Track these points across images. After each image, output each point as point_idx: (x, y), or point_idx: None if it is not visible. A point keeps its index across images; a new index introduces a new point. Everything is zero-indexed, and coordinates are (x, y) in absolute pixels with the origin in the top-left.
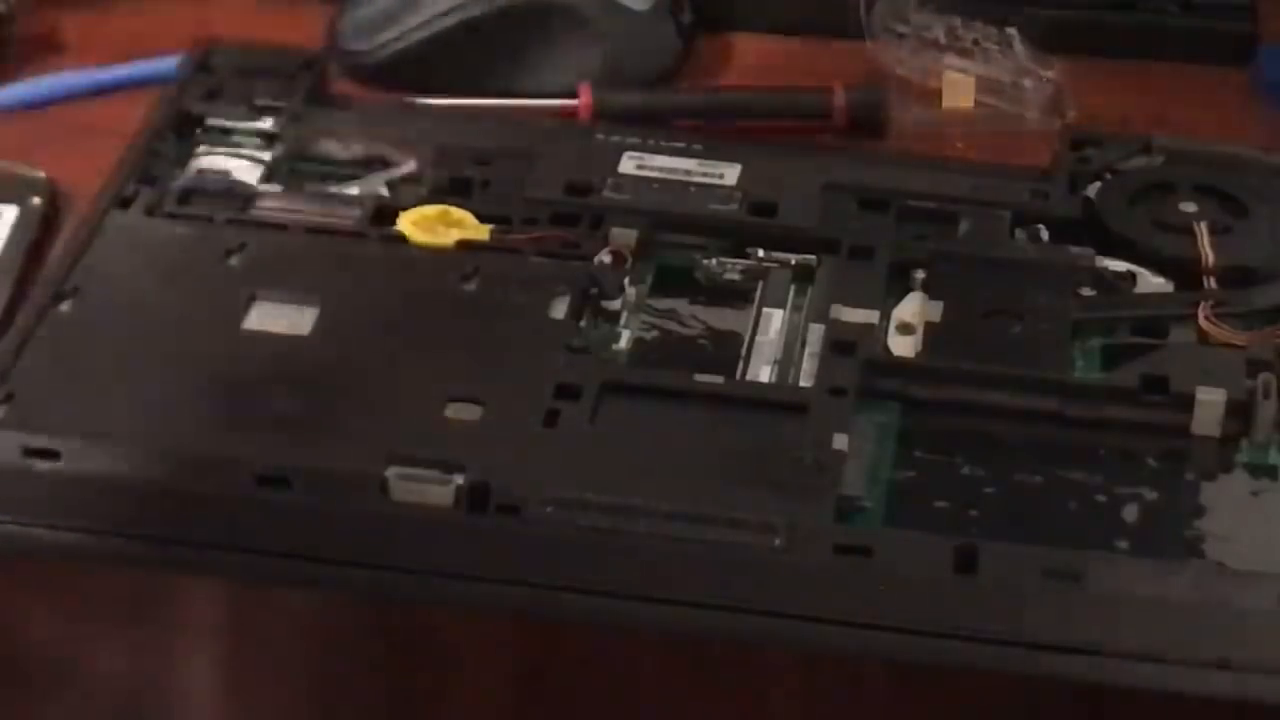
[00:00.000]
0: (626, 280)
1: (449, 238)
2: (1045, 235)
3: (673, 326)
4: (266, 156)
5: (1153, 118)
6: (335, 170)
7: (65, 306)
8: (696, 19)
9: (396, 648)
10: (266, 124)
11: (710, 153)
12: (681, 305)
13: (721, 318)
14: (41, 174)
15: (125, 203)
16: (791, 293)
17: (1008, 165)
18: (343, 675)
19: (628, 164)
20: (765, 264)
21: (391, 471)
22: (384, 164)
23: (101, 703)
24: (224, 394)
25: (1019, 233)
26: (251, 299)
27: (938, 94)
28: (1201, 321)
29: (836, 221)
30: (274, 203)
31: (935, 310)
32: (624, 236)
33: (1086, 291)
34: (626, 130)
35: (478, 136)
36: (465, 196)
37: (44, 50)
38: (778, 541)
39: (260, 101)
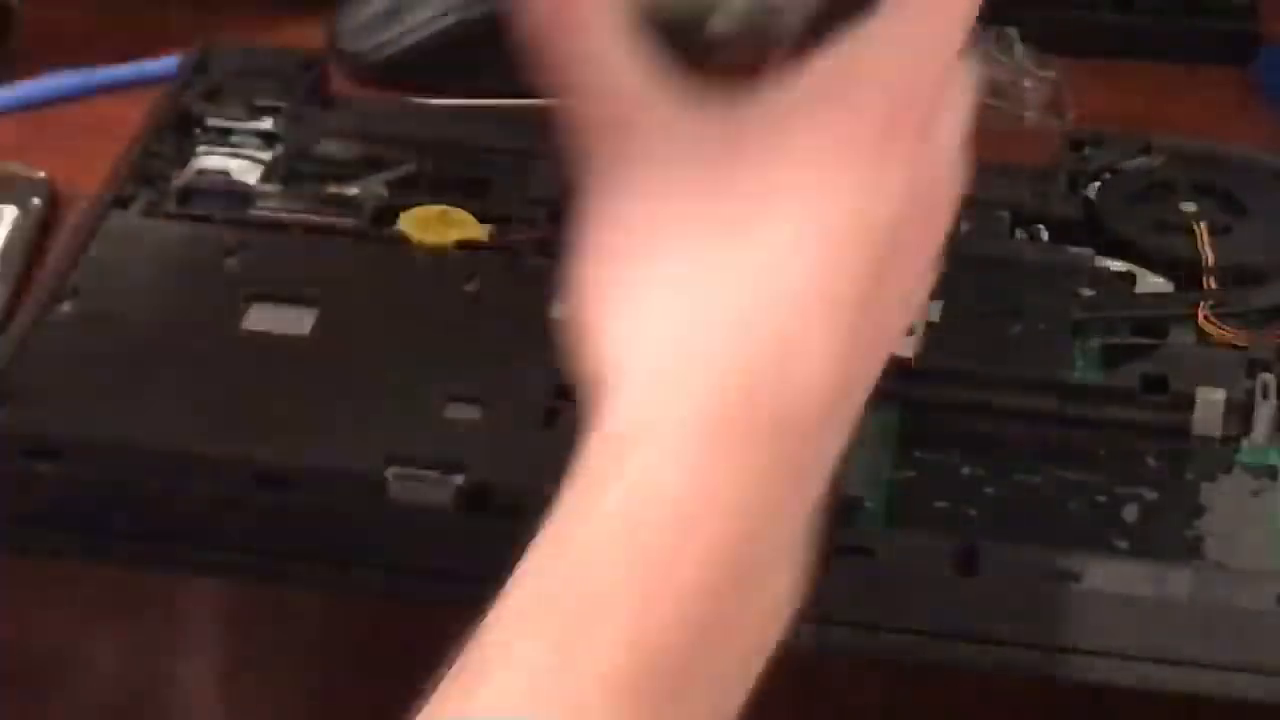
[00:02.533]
0: None
1: (449, 238)
2: (1045, 235)
3: None
4: (266, 156)
5: (1153, 118)
6: (335, 170)
7: (65, 306)
8: None
9: (396, 647)
10: (266, 124)
11: None
12: None
13: None
14: (41, 174)
15: (125, 203)
16: None
17: (1008, 165)
18: (342, 674)
19: None
20: None
21: (391, 471)
22: (384, 164)
23: (101, 702)
24: (224, 394)
25: (1019, 233)
26: (251, 299)
27: None
28: (1201, 321)
29: None
30: (274, 203)
31: (935, 310)
32: None
33: (1086, 291)
34: None
35: (478, 136)
36: (465, 196)
37: (44, 50)
38: None
39: (260, 101)
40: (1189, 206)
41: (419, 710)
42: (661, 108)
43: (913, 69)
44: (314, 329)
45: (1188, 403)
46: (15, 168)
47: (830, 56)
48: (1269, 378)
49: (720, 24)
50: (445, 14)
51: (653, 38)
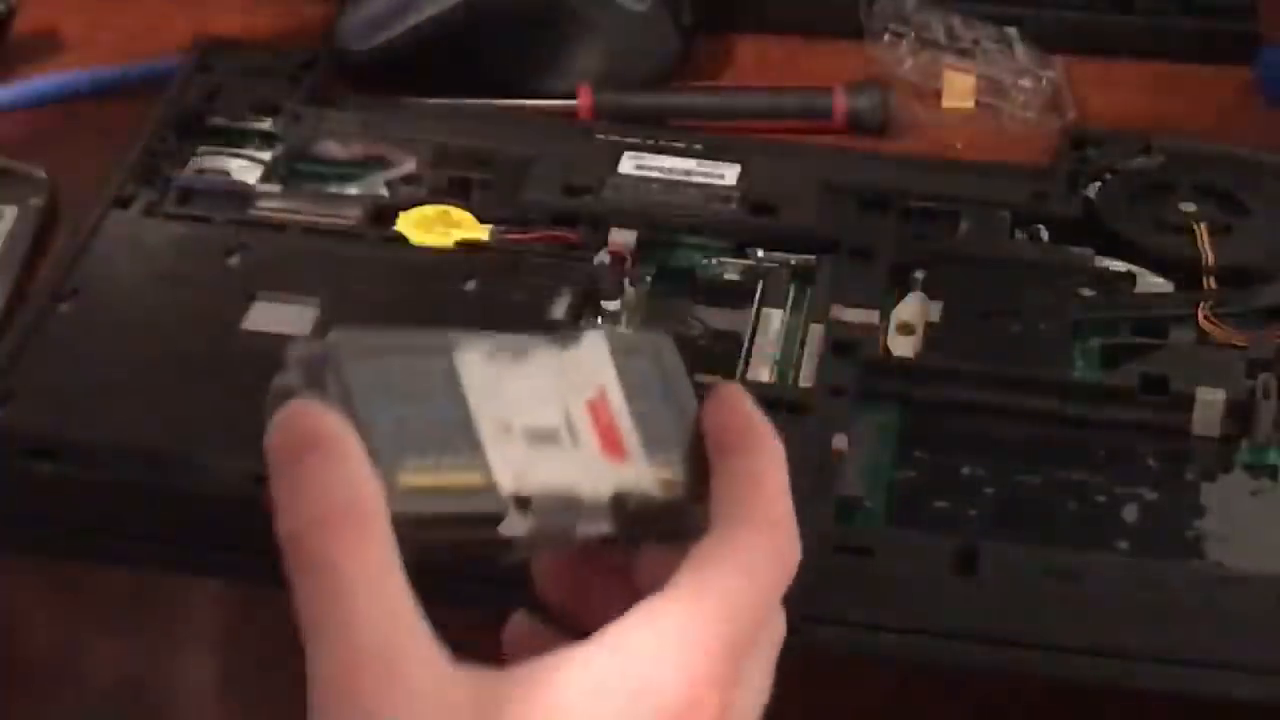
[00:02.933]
0: (626, 280)
1: (449, 238)
2: (1045, 235)
3: (673, 326)
4: (266, 156)
5: (1153, 118)
6: (335, 170)
7: (65, 306)
8: (696, 19)
9: None
10: (266, 124)
11: (710, 153)
12: (681, 305)
13: (721, 318)
14: (41, 174)
15: (125, 203)
16: (791, 293)
17: (1008, 165)
18: None
19: (628, 164)
20: (765, 264)
21: None
22: (384, 164)
23: (101, 702)
24: (224, 394)
25: (1019, 233)
26: (251, 299)
27: (938, 94)
28: (1201, 321)
29: (836, 221)
30: (274, 203)
31: (935, 310)
32: (624, 236)
33: (1086, 291)
34: (626, 130)
35: (478, 136)
36: (465, 197)
37: (44, 50)
38: None
39: (260, 101)
40: (1189, 206)
41: None
42: (421, 673)
43: (714, 654)
44: (314, 328)
45: (1187, 403)
46: (15, 167)
47: (611, 647)
48: (1269, 378)
49: (513, 556)
50: (445, 14)
51: (437, 552)
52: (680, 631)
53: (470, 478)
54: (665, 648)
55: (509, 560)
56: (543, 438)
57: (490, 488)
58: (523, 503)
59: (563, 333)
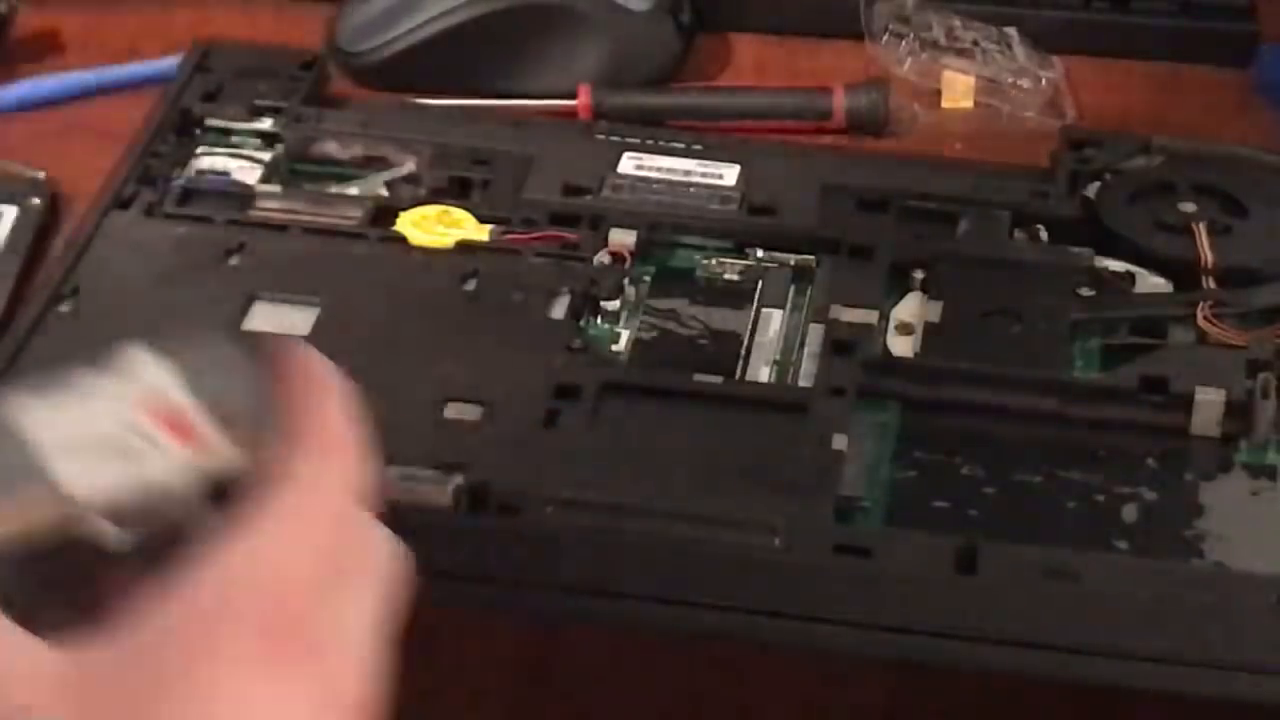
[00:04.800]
0: (626, 280)
1: (449, 238)
2: (1045, 235)
3: (673, 326)
4: (266, 156)
5: (1153, 118)
6: (335, 170)
7: (65, 306)
8: (696, 19)
9: (395, 647)
10: (266, 124)
11: (710, 153)
12: (681, 305)
13: (721, 318)
14: (41, 174)
15: (125, 203)
16: (791, 293)
17: (1008, 165)
18: None
19: (627, 164)
20: (765, 264)
21: (390, 471)
22: (384, 164)
23: None
24: None
25: (1019, 233)
26: (251, 299)
27: (938, 94)
28: (1201, 321)
29: (836, 221)
30: (274, 203)
31: (935, 310)
32: (624, 236)
33: (1086, 291)
34: (626, 130)
35: (478, 136)
36: (465, 197)
37: (44, 50)
38: (778, 541)
39: (260, 101)
40: (1189, 206)
41: (416, 710)
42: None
43: (279, 582)
44: (314, 329)
45: (1187, 403)
46: (15, 168)
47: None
48: (1268, 377)
49: (123, 569)
50: (445, 14)
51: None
52: (246, 551)
53: (47, 506)
54: (231, 567)
55: (120, 574)
56: (112, 448)
57: (70, 504)
58: (108, 510)
59: (107, 357)
